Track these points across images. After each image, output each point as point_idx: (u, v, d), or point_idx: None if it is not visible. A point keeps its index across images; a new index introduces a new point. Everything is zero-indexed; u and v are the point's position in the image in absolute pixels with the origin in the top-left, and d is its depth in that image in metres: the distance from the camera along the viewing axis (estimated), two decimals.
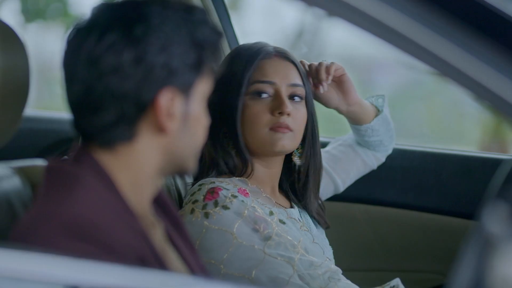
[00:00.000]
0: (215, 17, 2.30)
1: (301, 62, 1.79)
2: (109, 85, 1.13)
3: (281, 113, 1.67)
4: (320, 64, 1.81)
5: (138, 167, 1.17)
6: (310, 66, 1.82)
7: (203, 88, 1.19)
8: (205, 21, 1.19)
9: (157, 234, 1.24)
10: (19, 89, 1.29)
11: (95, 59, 1.13)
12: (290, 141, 1.69)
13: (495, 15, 1.01)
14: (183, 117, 1.17)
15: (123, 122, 1.14)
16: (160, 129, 1.16)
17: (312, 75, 1.81)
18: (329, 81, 1.81)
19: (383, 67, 5.53)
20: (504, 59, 1.01)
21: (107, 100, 1.13)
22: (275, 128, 1.67)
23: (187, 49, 1.16)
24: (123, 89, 1.13)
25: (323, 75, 1.79)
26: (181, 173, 1.24)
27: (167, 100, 1.14)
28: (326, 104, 1.86)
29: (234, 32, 2.36)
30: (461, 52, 1.02)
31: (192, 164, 1.22)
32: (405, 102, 5.68)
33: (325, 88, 1.81)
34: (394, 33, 1.03)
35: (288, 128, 1.68)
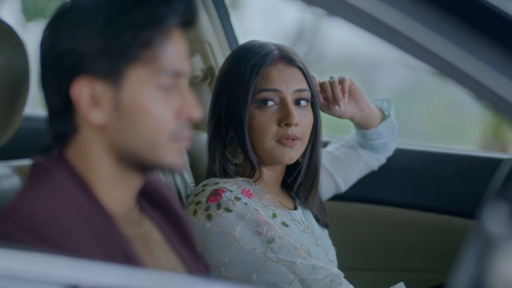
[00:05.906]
0: (215, 17, 2.31)
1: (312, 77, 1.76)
2: (40, 78, 1.12)
3: (288, 125, 1.65)
4: (333, 83, 1.81)
5: (93, 160, 1.12)
6: (323, 84, 1.82)
7: (141, 75, 1.07)
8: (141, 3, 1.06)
9: (141, 232, 1.22)
10: (19, 89, 1.29)
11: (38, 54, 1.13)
12: (298, 151, 1.68)
13: (495, 15, 1.01)
14: (115, 108, 1.08)
15: (60, 114, 1.11)
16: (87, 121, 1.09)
17: (327, 94, 1.81)
18: (346, 100, 1.81)
19: (384, 67, 5.53)
20: (504, 59, 1.01)
21: (43, 93, 1.12)
22: (283, 141, 1.66)
23: (104, 33, 1.05)
24: (46, 81, 1.11)
25: (339, 95, 1.80)
26: (157, 168, 1.14)
27: (84, 90, 1.07)
28: (341, 117, 1.86)
29: (234, 31, 2.36)
30: (461, 52, 1.02)
31: (162, 158, 1.11)
32: (406, 102, 5.67)
33: (342, 108, 1.81)
34: (394, 33, 1.03)
35: (296, 138, 1.66)
